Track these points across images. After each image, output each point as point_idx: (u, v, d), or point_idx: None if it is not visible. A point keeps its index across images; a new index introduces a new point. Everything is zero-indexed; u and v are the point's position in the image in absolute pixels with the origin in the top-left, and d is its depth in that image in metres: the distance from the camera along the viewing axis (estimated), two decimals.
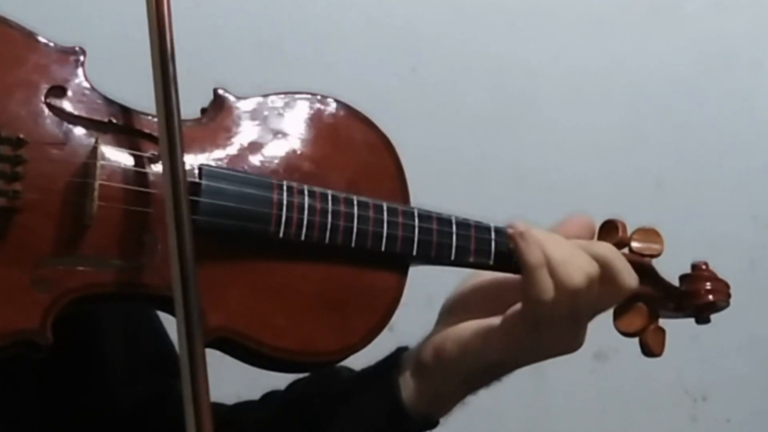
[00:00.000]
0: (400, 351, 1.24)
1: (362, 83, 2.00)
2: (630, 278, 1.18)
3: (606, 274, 1.17)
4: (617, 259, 1.19)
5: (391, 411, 1.20)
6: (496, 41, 2.15)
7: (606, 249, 1.19)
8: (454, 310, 1.23)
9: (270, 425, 1.24)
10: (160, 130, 1.03)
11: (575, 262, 1.15)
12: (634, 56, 2.19)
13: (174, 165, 1.01)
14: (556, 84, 2.17)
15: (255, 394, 1.30)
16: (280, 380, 1.26)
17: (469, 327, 1.20)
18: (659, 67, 2.20)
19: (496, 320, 1.18)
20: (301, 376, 1.24)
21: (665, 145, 2.21)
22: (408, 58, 2.12)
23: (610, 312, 1.23)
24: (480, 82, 2.15)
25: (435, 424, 1.23)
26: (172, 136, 1.02)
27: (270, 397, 1.28)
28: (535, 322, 1.15)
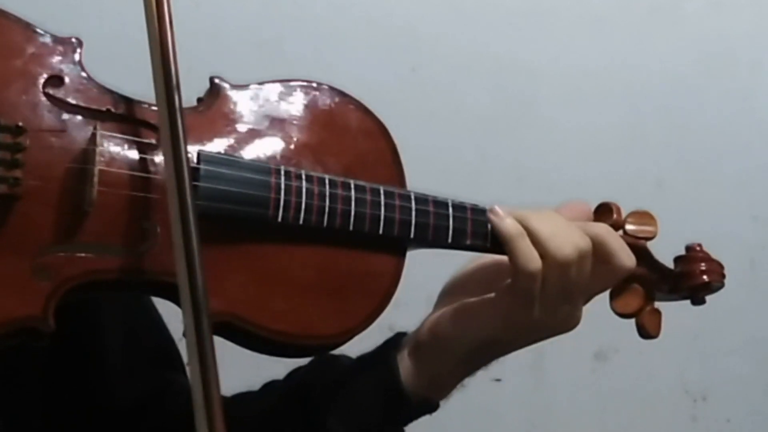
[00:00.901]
0: (399, 336, 1.24)
1: (362, 83, 1.99)
2: (627, 258, 1.18)
3: (602, 252, 1.17)
4: (613, 238, 1.19)
5: (390, 392, 1.20)
6: (496, 41, 2.15)
7: (601, 228, 1.19)
8: (452, 291, 1.23)
9: (270, 414, 1.24)
10: (160, 113, 1.03)
11: (564, 234, 1.15)
12: (634, 56, 2.19)
13: (177, 151, 1.01)
14: (556, 84, 2.17)
15: (252, 386, 1.30)
16: (278, 372, 1.26)
17: (463, 305, 1.20)
18: (659, 67, 2.20)
19: (489, 297, 1.19)
20: (300, 364, 1.24)
21: (665, 145, 2.22)
22: (408, 58, 2.13)
23: (608, 304, 1.23)
24: (480, 82, 2.15)
25: (435, 407, 1.22)
26: (174, 119, 1.02)
27: (270, 386, 1.28)
28: (526, 296, 1.15)
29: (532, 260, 1.14)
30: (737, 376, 2.23)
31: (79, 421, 1.27)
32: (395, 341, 1.23)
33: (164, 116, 1.03)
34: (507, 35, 2.15)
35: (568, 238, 1.15)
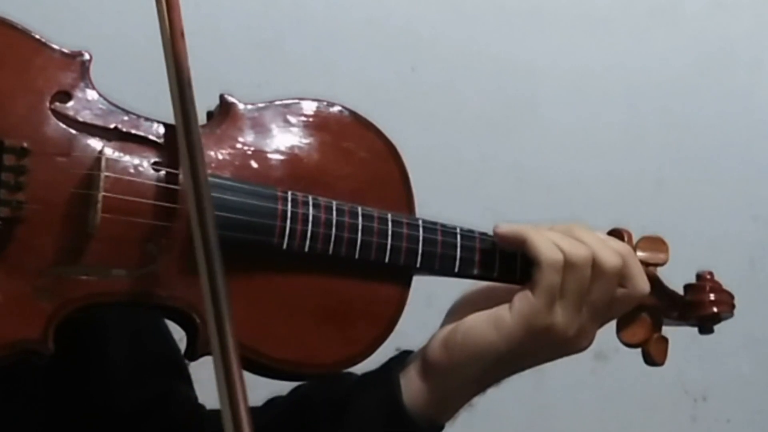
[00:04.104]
0: (404, 354, 1.22)
1: (362, 83, 2.00)
2: (643, 283, 1.18)
3: (622, 274, 1.17)
4: (634, 260, 1.18)
5: (391, 412, 1.18)
6: (496, 41, 2.15)
7: (625, 247, 1.18)
8: (461, 309, 1.21)
9: (271, 429, 1.23)
10: (180, 147, 1.01)
11: (575, 238, 1.15)
12: (634, 56, 2.19)
13: (197, 180, 0.99)
14: (556, 84, 2.17)
15: (256, 394, 1.29)
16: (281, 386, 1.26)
17: (479, 317, 1.17)
18: (659, 67, 2.20)
19: (505, 305, 1.17)
20: None
21: (665, 145, 2.22)
22: (408, 58, 2.12)
23: (613, 326, 1.23)
24: (480, 82, 2.15)
25: (440, 428, 1.20)
26: (193, 153, 1.00)
27: (273, 402, 1.27)
28: (548, 294, 1.14)
29: (553, 249, 1.14)
30: (737, 376, 2.23)
31: (81, 428, 1.26)
32: (400, 359, 1.21)
33: (183, 147, 1.00)
34: (507, 35, 2.15)
35: (580, 239, 1.15)
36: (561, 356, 1.19)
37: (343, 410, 1.20)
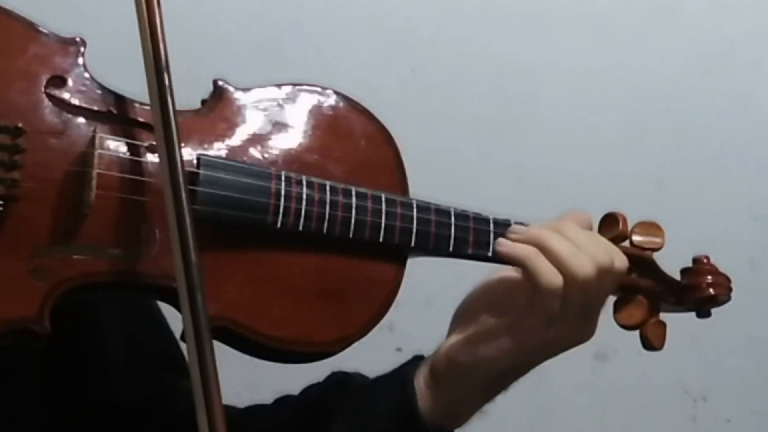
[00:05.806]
0: (417, 359, 1.22)
1: (362, 83, 1.99)
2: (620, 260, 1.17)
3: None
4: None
5: (407, 420, 1.18)
6: (496, 41, 2.15)
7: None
8: (463, 317, 1.21)
9: (283, 430, 1.23)
10: (155, 121, 1.03)
11: (583, 252, 1.14)
12: (634, 56, 2.19)
13: (171, 155, 1.02)
14: (556, 84, 2.17)
15: (256, 393, 1.29)
16: (284, 379, 1.26)
17: (480, 335, 1.17)
18: (659, 67, 2.20)
19: (504, 322, 1.17)
20: (299, 370, 1.23)
21: (665, 145, 2.22)
22: (408, 58, 2.12)
23: (611, 311, 1.23)
24: (480, 82, 2.15)
25: None
26: (168, 126, 1.02)
27: (283, 402, 1.27)
28: (545, 316, 1.14)
29: (554, 277, 1.12)
30: (737, 376, 2.23)
31: (80, 424, 1.26)
32: (412, 366, 1.21)
33: (158, 119, 1.03)
34: (507, 35, 2.15)
35: (588, 254, 1.14)
36: (564, 351, 1.19)
37: (356, 413, 1.20)
